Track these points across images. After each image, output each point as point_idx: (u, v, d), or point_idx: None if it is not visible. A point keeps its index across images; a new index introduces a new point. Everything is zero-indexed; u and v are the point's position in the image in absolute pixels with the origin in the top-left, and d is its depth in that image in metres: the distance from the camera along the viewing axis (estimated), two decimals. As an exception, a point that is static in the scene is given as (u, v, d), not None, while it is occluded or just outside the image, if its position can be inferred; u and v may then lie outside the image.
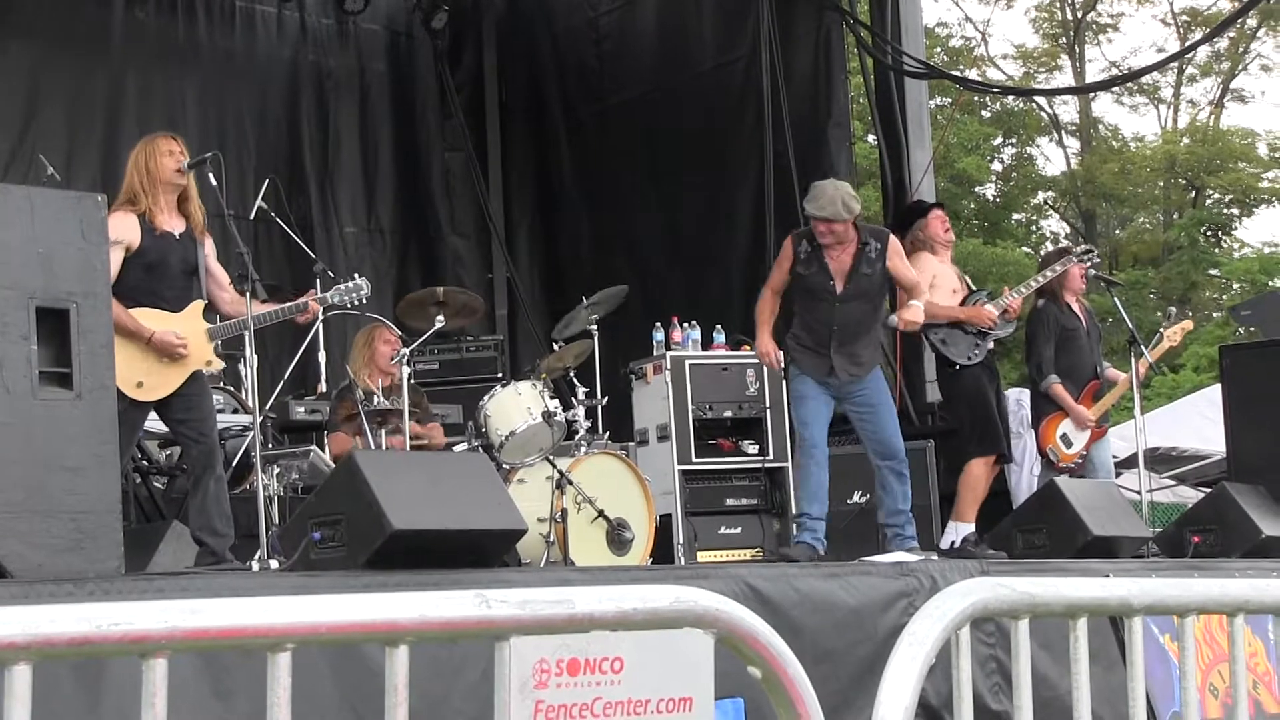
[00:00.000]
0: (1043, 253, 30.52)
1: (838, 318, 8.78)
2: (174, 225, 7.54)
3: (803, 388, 8.87)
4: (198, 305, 7.60)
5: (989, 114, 35.09)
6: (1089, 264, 10.31)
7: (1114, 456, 10.73)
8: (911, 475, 11.18)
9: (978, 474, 9.59)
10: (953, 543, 9.41)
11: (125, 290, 7.12)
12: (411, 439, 9.40)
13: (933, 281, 9.58)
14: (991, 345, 9.70)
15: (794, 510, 9.16)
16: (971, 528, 9.45)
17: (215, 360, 7.76)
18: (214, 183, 7.62)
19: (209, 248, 7.72)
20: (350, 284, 8.22)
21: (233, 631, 2.45)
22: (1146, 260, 34.73)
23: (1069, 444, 10.06)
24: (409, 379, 9.35)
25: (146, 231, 7.40)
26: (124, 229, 7.20)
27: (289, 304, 7.91)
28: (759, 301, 9.08)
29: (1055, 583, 3.38)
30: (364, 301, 8.37)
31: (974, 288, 9.88)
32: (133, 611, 2.37)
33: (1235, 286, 32.91)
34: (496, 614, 2.72)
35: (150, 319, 7.36)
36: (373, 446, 9.32)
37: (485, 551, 6.47)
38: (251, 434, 8.18)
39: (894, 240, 8.93)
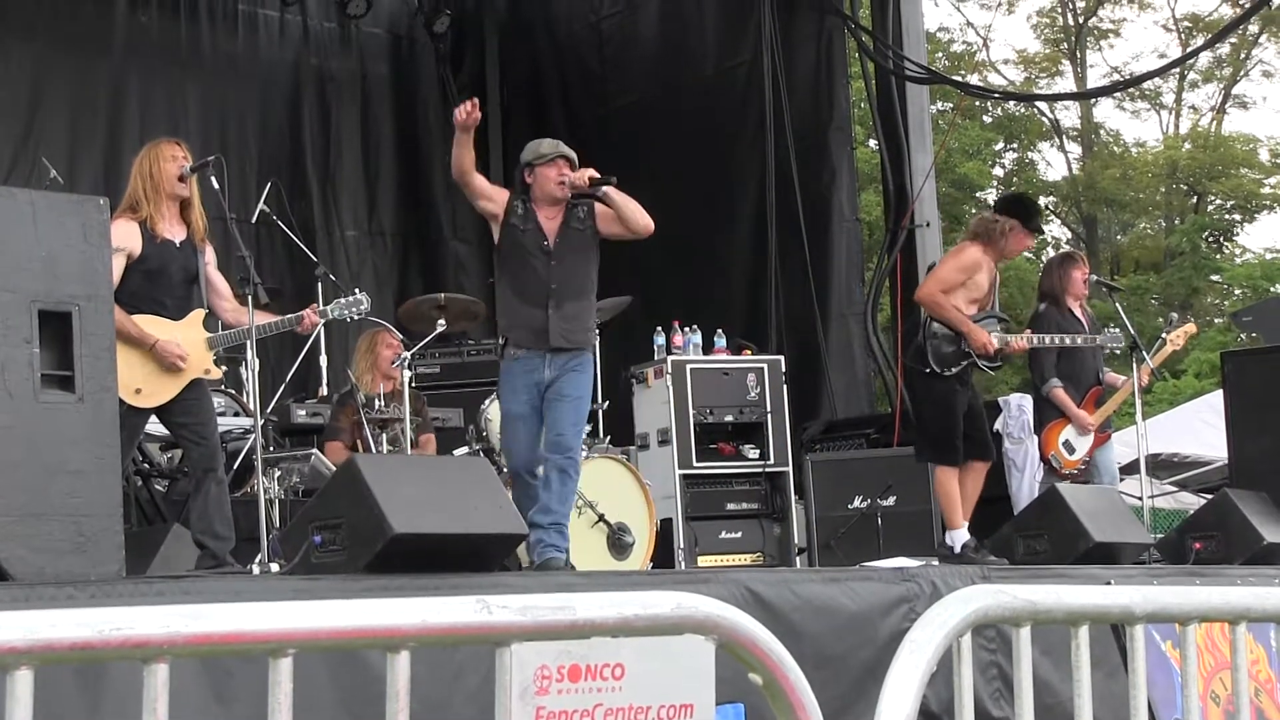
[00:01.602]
0: (1044, 258, 30.53)
1: (554, 275, 8.05)
2: (175, 233, 7.53)
3: (510, 403, 8.06)
4: (198, 314, 7.60)
5: (990, 119, 35.09)
6: (1108, 348, 10.20)
7: (1116, 461, 10.71)
8: (911, 480, 11.24)
9: (944, 481, 9.32)
10: (950, 549, 9.35)
11: (126, 297, 7.12)
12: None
13: (964, 281, 9.30)
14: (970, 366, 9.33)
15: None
16: (965, 533, 9.26)
17: (214, 369, 7.75)
18: (216, 186, 7.63)
19: (210, 256, 7.71)
20: (350, 298, 8.22)
21: (234, 637, 2.45)
22: (1148, 266, 34.73)
23: (1071, 450, 10.06)
24: (410, 383, 9.35)
25: (148, 239, 7.40)
26: (125, 236, 7.19)
27: (287, 316, 7.90)
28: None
29: (1057, 590, 3.37)
30: (363, 316, 8.37)
31: (995, 308, 9.48)
32: (134, 617, 2.37)
33: (1237, 292, 32.91)
34: (498, 620, 2.72)
35: (151, 326, 7.36)
36: (373, 451, 9.32)
37: (486, 555, 6.47)
38: (253, 437, 8.18)
39: (601, 207, 8.23)
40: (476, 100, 7.99)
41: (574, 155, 8.17)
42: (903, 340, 12.33)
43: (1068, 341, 9.96)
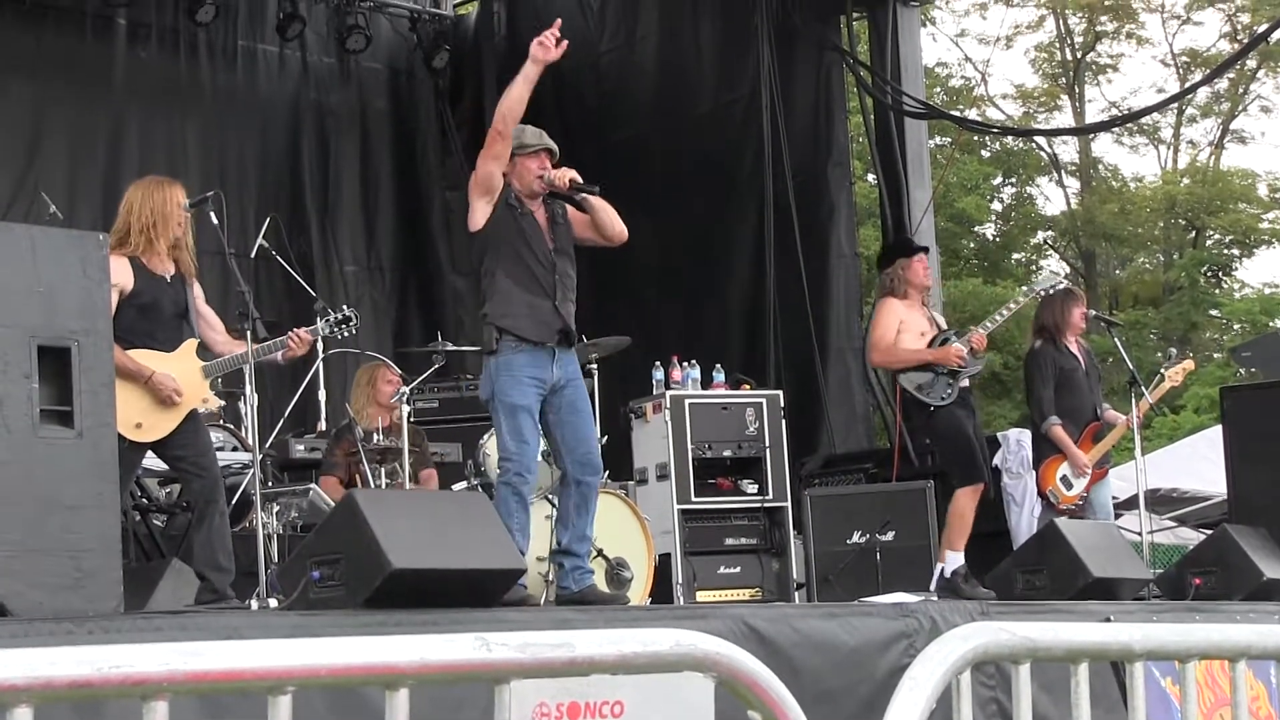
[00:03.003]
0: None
1: (558, 266, 7.66)
2: (165, 268, 7.53)
3: (517, 395, 7.50)
4: (190, 344, 7.59)
5: (989, 154, 35.12)
6: (1040, 292, 10.41)
7: (1114, 498, 10.71)
8: (910, 515, 11.23)
9: (964, 504, 9.56)
10: (943, 570, 9.44)
11: (119, 332, 7.07)
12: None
13: (899, 327, 9.63)
14: (965, 383, 9.68)
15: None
16: (961, 558, 9.47)
17: (211, 398, 7.75)
18: (215, 221, 7.62)
19: (198, 290, 7.70)
20: (339, 315, 8.24)
21: (233, 674, 2.44)
22: (1146, 300, 34.72)
23: (1069, 486, 10.06)
24: (408, 418, 9.35)
25: (139, 273, 7.40)
26: (117, 272, 7.16)
27: (278, 339, 7.88)
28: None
29: (1056, 628, 3.37)
30: (354, 332, 8.37)
31: (943, 328, 9.86)
32: (133, 654, 2.37)
33: (1236, 327, 32.90)
34: (496, 657, 2.71)
35: (145, 360, 7.36)
36: (371, 485, 9.32)
37: (485, 591, 6.46)
38: (251, 472, 8.17)
39: (575, 212, 7.95)
40: (560, 25, 7.55)
41: (556, 149, 7.91)
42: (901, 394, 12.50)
43: (1014, 306, 10.33)
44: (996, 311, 10.34)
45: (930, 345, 9.62)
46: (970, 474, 9.58)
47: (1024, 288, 10.39)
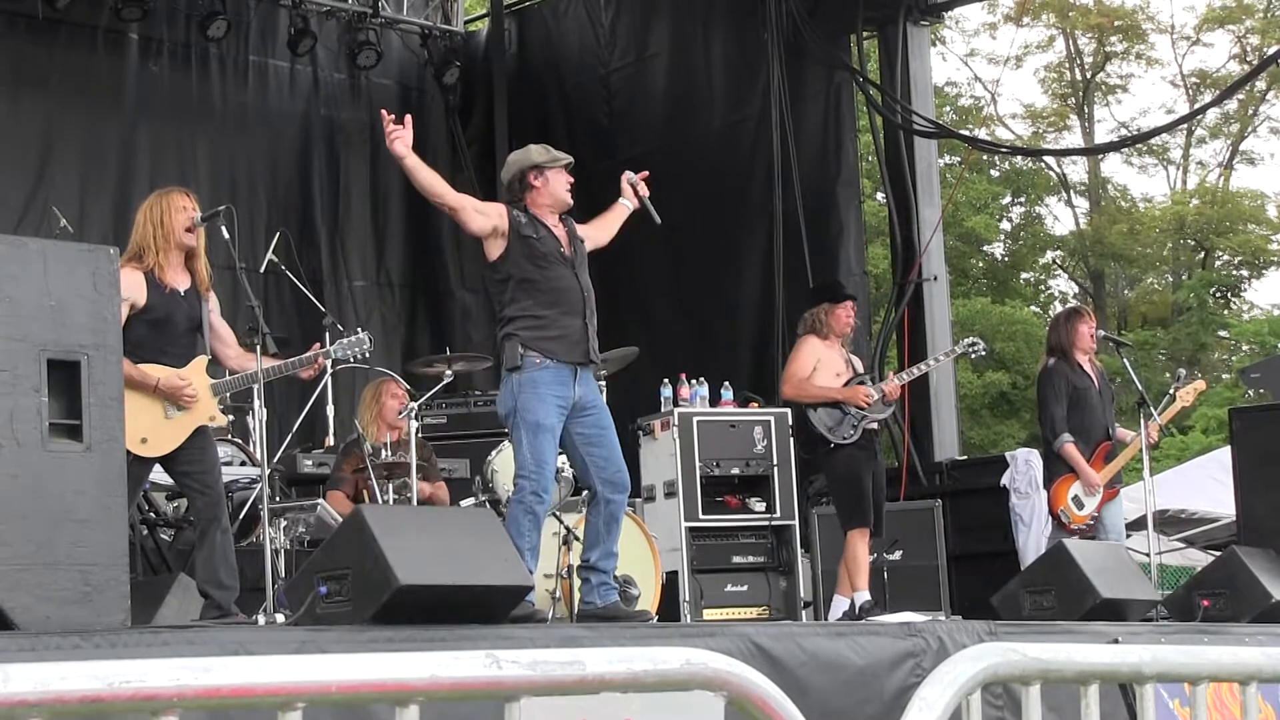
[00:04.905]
0: (1051, 313, 30.55)
1: (581, 284, 7.68)
2: (180, 281, 7.51)
3: (542, 413, 7.47)
4: (200, 360, 7.57)
5: (998, 173, 35.14)
6: (972, 354, 10.85)
7: (1123, 518, 10.68)
8: (919, 534, 11.24)
9: (857, 546, 9.78)
10: (862, 607, 9.55)
11: (130, 346, 7.06)
12: (418, 500, 9.38)
13: (816, 365, 9.85)
14: (874, 426, 9.88)
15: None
16: (867, 594, 9.73)
17: (219, 416, 7.72)
18: (226, 236, 7.62)
19: (213, 304, 7.69)
20: (354, 338, 8.22)
21: (243, 690, 2.44)
22: (1155, 321, 34.72)
23: (1080, 506, 10.03)
24: (416, 433, 9.34)
25: (153, 288, 7.38)
26: (130, 286, 7.14)
27: (293, 359, 7.90)
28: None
29: (1066, 649, 3.36)
30: (366, 356, 8.36)
31: (860, 371, 10.08)
32: (144, 669, 2.37)
33: (1244, 348, 32.88)
34: (507, 675, 2.71)
35: (154, 373, 7.34)
36: (379, 500, 9.32)
37: (492, 607, 6.46)
38: (259, 486, 8.17)
39: (586, 229, 8.05)
40: (392, 116, 7.51)
41: (567, 163, 8.02)
42: (910, 412, 12.64)
43: (932, 363, 11.12)
44: (915, 366, 10.89)
45: (845, 385, 9.85)
46: (855, 517, 9.77)
47: (948, 350, 10.94)
